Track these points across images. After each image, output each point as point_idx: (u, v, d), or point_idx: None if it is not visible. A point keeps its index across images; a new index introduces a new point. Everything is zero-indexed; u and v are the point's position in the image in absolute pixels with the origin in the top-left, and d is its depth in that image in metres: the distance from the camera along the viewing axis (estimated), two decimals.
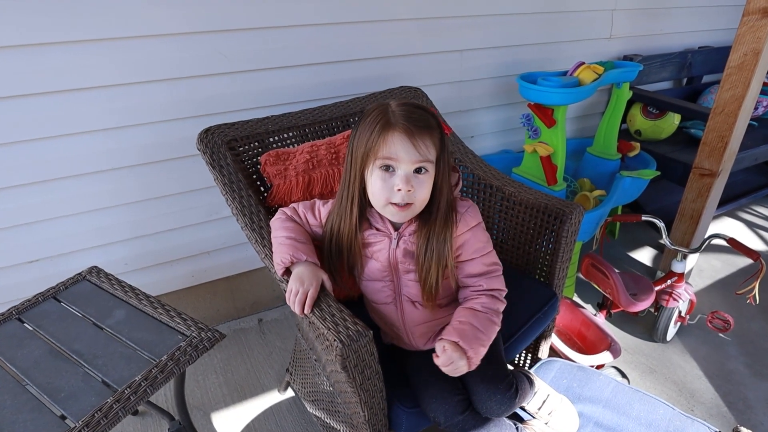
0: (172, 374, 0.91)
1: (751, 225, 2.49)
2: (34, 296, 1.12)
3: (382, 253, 0.94)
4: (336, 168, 1.20)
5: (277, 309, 1.89)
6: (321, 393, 1.22)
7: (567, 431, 1.07)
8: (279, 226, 0.98)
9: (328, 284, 0.91)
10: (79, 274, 1.20)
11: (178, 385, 1.03)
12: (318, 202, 1.01)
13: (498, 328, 0.92)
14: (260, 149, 1.21)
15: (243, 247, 1.70)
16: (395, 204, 0.86)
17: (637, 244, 2.30)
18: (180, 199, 1.52)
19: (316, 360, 1.18)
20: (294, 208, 1.01)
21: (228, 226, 1.63)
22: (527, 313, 1.17)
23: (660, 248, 2.26)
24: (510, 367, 1.02)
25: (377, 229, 0.94)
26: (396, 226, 0.94)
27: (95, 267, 1.22)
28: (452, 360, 0.85)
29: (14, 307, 1.09)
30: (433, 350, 0.97)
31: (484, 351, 0.88)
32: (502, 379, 0.93)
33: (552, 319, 1.25)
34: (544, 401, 1.06)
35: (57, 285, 1.16)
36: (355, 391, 0.85)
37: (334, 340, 0.79)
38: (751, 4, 1.59)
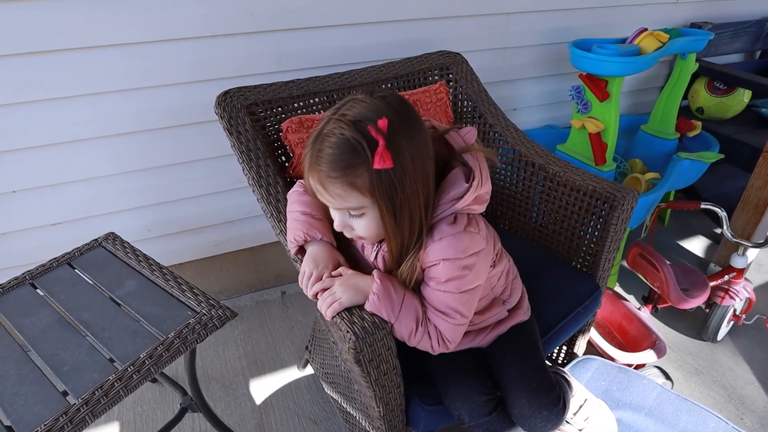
0: (178, 353, 0.86)
1: None
2: (49, 261, 1.09)
3: (367, 258, 0.85)
4: None
5: None
6: (338, 377, 1.16)
7: None
8: (295, 199, 0.89)
9: (345, 267, 0.83)
10: (95, 240, 1.16)
11: (189, 361, 0.99)
12: None
13: (408, 338, 0.77)
14: (283, 115, 1.12)
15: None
16: None
17: (689, 233, 2.12)
18: (204, 166, 1.46)
19: (334, 342, 1.12)
20: None
21: (252, 195, 1.56)
22: (567, 306, 1.06)
23: (715, 239, 2.07)
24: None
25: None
26: None
27: (112, 233, 1.18)
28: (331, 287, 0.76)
29: (29, 271, 1.06)
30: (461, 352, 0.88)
31: (374, 311, 0.74)
32: (548, 392, 0.83)
33: (593, 313, 1.13)
34: (581, 406, 0.96)
35: (72, 251, 1.12)
36: (369, 386, 0.78)
37: (347, 331, 0.71)
38: None
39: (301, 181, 0.93)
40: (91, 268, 1.08)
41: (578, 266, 1.16)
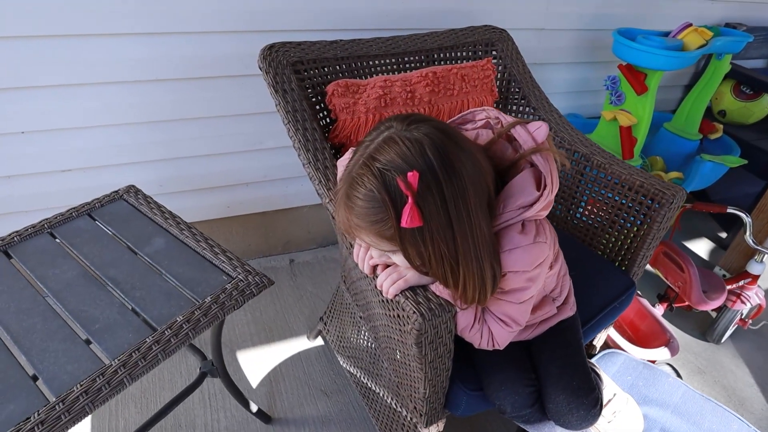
0: (215, 318, 0.82)
1: None
2: (68, 210, 1.02)
3: None
4: (411, 109, 1.05)
5: (310, 251, 1.80)
6: (360, 352, 1.14)
7: None
8: None
9: None
10: (116, 192, 1.09)
11: (217, 329, 0.95)
12: None
13: (460, 329, 0.75)
14: (327, 77, 1.06)
15: (284, 183, 1.58)
16: None
17: (693, 235, 2.14)
18: (224, 123, 1.39)
19: (362, 317, 1.09)
20: None
21: (271, 159, 1.50)
22: (602, 302, 1.05)
23: (719, 242, 2.10)
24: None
25: None
26: None
27: (133, 186, 1.12)
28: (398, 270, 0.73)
29: (46, 219, 0.99)
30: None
31: (445, 295, 0.71)
32: (587, 393, 0.82)
33: (625, 308, 1.13)
34: (609, 400, 0.96)
35: (92, 201, 1.05)
36: (422, 368, 0.75)
37: (413, 312, 0.68)
38: None
39: (354, 148, 0.88)
40: (114, 221, 1.01)
41: (613, 261, 1.15)
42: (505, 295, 0.72)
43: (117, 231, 0.99)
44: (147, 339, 0.75)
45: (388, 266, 0.73)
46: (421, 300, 0.69)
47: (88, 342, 0.76)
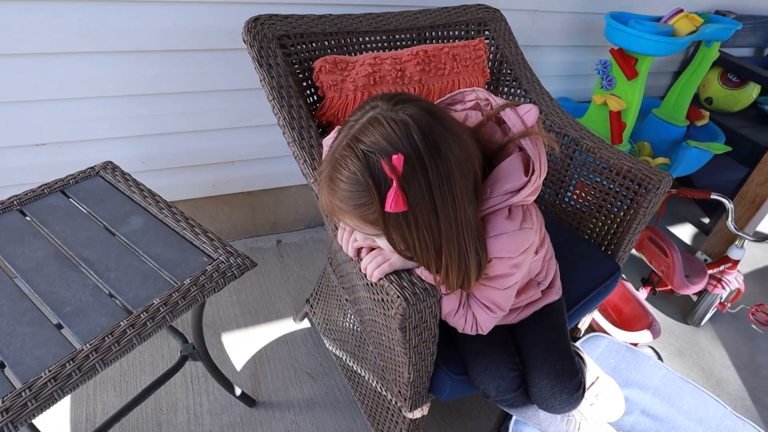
0: (194, 301, 0.79)
1: None
2: (39, 187, 0.98)
3: None
4: (400, 88, 1.02)
5: (297, 232, 1.77)
6: (346, 335, 1.13)
7: (612, 416, 0.99)
8: None
9: None
10: (92, 168, 1.05)
11: (197, 312, 0.92)
12: None
13: (445, 313, 0.74)
14: (315, 52, 1.02)
15: (272, 162, 1.54)
16: None
17: (678, 220, 2.17)
18: (210, 98, 1.34)
19: (348, 300, 1.07)
20: None
21: (259, 137, 1.46)
22: (588, 285, 1.05)
23: (701, 227, 2.12)
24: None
25: None
26: None
27: (110, 162, 1.07)
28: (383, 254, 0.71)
29: (16, 196, 0.95)
30: None
31: (431, 279, 0.69)
32: (571, 377, 0.82)
33: (610, 292, 1.13)
34: (592, 383, 0.97)
35: (66, 177, 1.01)
36: (406, 352, 0.74)
37: (397, 296, 0.66)
38: None
39: (339, 127, 0.85)
40: (89, 198, 0.97)
41: (599, 245, 1.15)
42: (490, 281, 0.71)
43: (92, 209, 0.95)
44: (121, 323, 0.73)
45: (372, 249, 0.71)
46: (405, 284, 0.67)
47: (58, 326, 0.73)
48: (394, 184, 0.55)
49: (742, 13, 2.00)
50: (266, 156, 1.51)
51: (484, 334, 0.77)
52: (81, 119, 1.24)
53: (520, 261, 0.70)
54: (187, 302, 0.79)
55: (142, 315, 0.75)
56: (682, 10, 1.52)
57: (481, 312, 0.74)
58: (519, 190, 0.66)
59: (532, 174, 0.66)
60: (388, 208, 0.56)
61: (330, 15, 1.07)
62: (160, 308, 0.76)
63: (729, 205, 1.43)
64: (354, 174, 0.58)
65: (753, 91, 2.04)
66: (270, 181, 1.59)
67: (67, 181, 1.00)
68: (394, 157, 0.55)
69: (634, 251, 1.59)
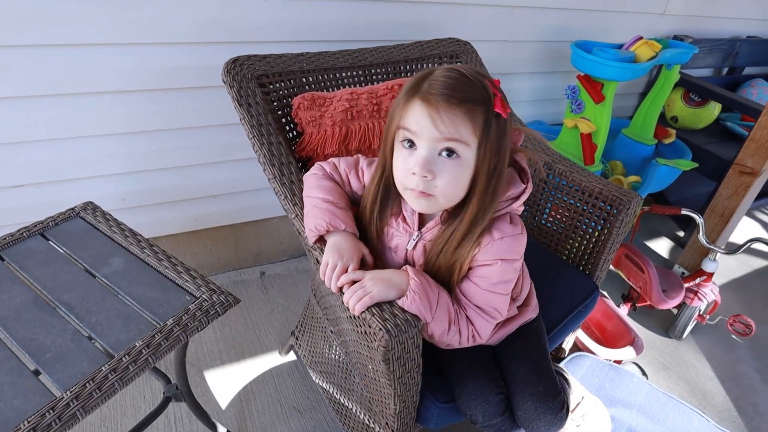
0: (177, 341, 0.79)
1: (766, 225, 2.43)
2: (18, 230, 0.97)
3: (401, 249, 0.81)
4: (377, 121, 1.05)
5: (281, 263, 1.77)
6: (332, 367, 1.12)
7: None
8: (315, 184, 0.84)
9: (370, 259, 0.79)
10: (72, 209, 1.04)
11: (181, 349, 0.92)
12: (361, 161, 0.87)
13: (439, 336, 0.74)
14: (293, 89, 1.05)
15: (253, 194, 1.55)
16: (412, 189, 0.70)
17: (654, 235, 2.22)
18: (191, 134, 1.36)
19: (332, 332, 1.08)
20: (334, 164, 0.87)
21: (240, 170, 1.48)
22: (567, 306, 1.07)
23: (678, 241, 2.18)
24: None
25: (404, 219, 0.79)
26: (423, 223, 0.79)
27: (91, 203, 1.07)
28: (361, 281, 0.72)
29: None
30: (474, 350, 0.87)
31: (411, 311, 0.70)
32: (553, 397, 0.83)
33: (589, 312, 1.16)
34: (578, 403, 0.98)
35: (45, 220, 1.00)
36: (391, 384, 0.75)
37: (380, 329, 0.67)
38: None
39: (320, 163, 0.88)
40: (69, 241, 0.97)
41: (577, 266, 1.18)
42: (494, 286, 0.75)
43: (72, 251, 0.94)
44: (103, 368, 0.72)
45: (354, 283, 0.73)
46: (387, 316, 0.68)
47: (37, 373, 0.72)
48: (499, 95, 0.67)
49: (699, 36, 2.11)
50: (247, 189, 1.52)
51: (484, 341, 0.79)
52: (60, 159, 1.24)
53: (519, 265, 0.77)
54: (170, 343, 0.78)
55: (124, 358, 0.74)
56: (641, 38, 1.60)
57: (480, 320, 0.76)
58: (518, 197, 0.74)
59: (528, 183, 0.75)
60: (497, 108, 0.66)
61: (307, 53, 1.10)
62: (143, 350, 0.76)
63: (699, 220, 1.48)
64: (463, 74, 0.67)
65: (715, 108, 2.14)
66: (252, 213, 1.59)
67: (47, 224, 1.00)
68: (495, 80, 0.69)
69: (613, 268, 1.62)
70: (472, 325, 0.76)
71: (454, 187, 0.69)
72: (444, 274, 0.76)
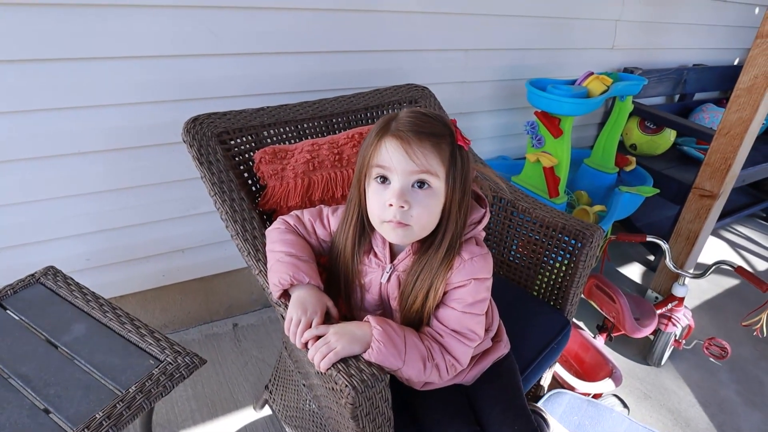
0: (140, 410, 0.76)
1: (733, 245, 2.50)
2: None
3: (374, 284, 0.82)
4: (339, 171, 1.07)
5: (254, 313, 1.74)
6: (307, 421, 1.09)
7: None
8: (277, 238, 0.84)
9: (334, 312, 0.79)
10: (32, 275, 1.02)
11: (146, 419, 0.88)
12: (325, 210, 0.88)
13: (417, 378, 0.74)
14: (254, 144, 1.06)
15: (221, 246, 1.54)
16: (389, 221, 0.73)
17: (626, 260, 2.26)
18: (154, 191, 1.35)
19: (305, 385, 1.05)
20: (298, 216, 0.87)
21: (206, 223, 1.47)
22: (540, 343, 1.07)
23: (649, 266, 2.23)
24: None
25: (375, 255, 0.82)
26: (394, 256, 0.81)
27: (52, 267, 1.05)
28: (325, 336, 0.71)
29: None
30: (446, 388, 0.86)
31: (380, 361, 0.69)
32: None
33: (563, 348, 1.16)
34: None
35: (3, 288, 0.98)
36: None
37: (345, 385, 0.66)
38: (765, 26, 1.54)
39: (282, 217, 0.88)
40: (29, 309, 0.94)
41: (548, 301, 1.19)
42: (469, 307, 0.77)
43: (31, 320, 0.92)
44: None
45: (319, 338, 0.72)
46: (353, 372, 0.68)
47: None
48: (458, 130, 0.74)
49: (648, 67, 2.23)
50: (215, 241, 1.51)
51: (464, 367, 0.79)
52: (21, 223, 1.22)
53: (489, 285, 0.80)
54: (132, 412, 0.76)
55: None
56: (592, 73, 1.69)
57: (458, 344, 0.76)
58: (480, 221, 0.80)
59: (487, 207, 0.81)
60: (459, 141, 0.73)
61: (267, 107, 1.12)
62: (103, 422, 0.73)
63: (664, 246, 1.52)
64: (425, 113, 0.74)
65: (671, 134, 2.24)
66: (222, 264, 1.58)
67: (5, 292, 0.97)
68: (452, 119, 0.77)
69: (586, 299, 1.64)
70: (450, 354, 0.76)
71: (428, 215, 0.73)
72: (419, 302, 0.77)
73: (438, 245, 0.76)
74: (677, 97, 2.64)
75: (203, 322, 1.67)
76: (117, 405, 0.75)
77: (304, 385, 1.06)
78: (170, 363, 0.84)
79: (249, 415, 1.37)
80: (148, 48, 1.18)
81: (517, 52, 1.83)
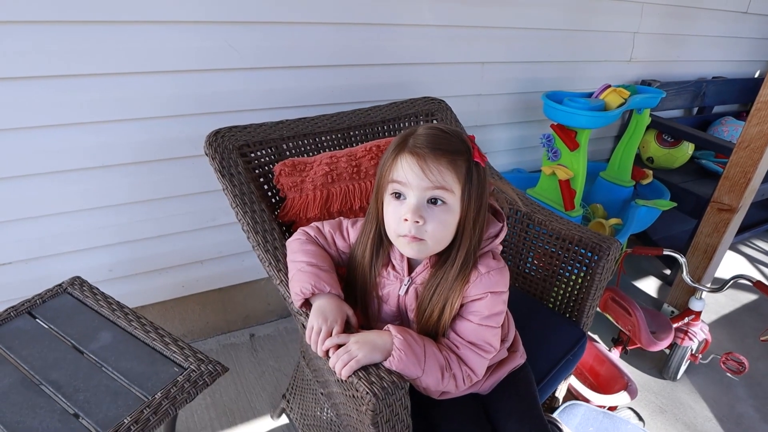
0: (166, 415, 0.79)
1: (752, 260, 2.47)
2: (5, 310, 0.98)
3: (392, 296, 0.84)
4: (357, 183, 1.09)
5: (270, 324, 1.76)
6: (325, 429, 1.10)
7: None
8: (298, 248, 0.86)
9: (354, 321, 0.80)
10: (59, 285, 1.06)
11: (170, 424, 0.91)
12: (345, 222, 0.90)
13: (435, 387, 0.75)
14: (274, 157, 1.09)
15: (239, 257, 1.57)
16: (404, 235, 0.75)
17: (641, 274, 2.25)
18: (175, 203, 1.39)
19: (323, 394, 1.07)
20: (318, 227, 0.90)
21: (225, 234, 1.50)
22: (556, 355, 1.07)
23: (665, 279, 2.20)
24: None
25: (393, 267, 0.84)
26: (411, 269, 0.83)
27: (78, 278, 1.08)
28: (346, 345, 0.72)
29: None
30: (463, 397, 0.87)
31: (400, 369, 0.70)
32: None
33: (578, 360, 1.16)
34: None
35: (33, 297, 1.01)
36: None
37: (366, 392, 0.68)
38: None
39: (303, 228, 0.90)
40: (57, 318, 0.97)
41: (564, 314, 1.19)
42: (486, 320, 0.78)
43: (60, 328, 0.95)
44: None
45: (340, 347, 0.74)
46: (374, 379, 0.69)
47: None
48: (475, 147, 0.75)
49: (666, 80, 2.23)
50: (233, 252, 1.54)
51: (480, 378, 0.81)
52: (48, 235, 1.26)
53: (506, 298, 0.80)
54: (158, 417, 0.78)
55: None
56: (610, 86, 1.69)
57: (474, 355, 0.78)
58: (497, 235, 0.81)
59: (505, 221, 0.82)
60: (476, 158, 0.74)
61: (287, 120, 1.16)
62: (131, 427, 0.75)
63: (681, 259, 1.51)
64: (442, 130, 0.76)
65: (688, 148, 2.23)
66: (239, 276, 1.60)
67: (34, 302, 1.01)
68: (470, 135, 0.78)
69: (601, 312, 1.63)
70: (466, 365, 0.77)
71: (442, 230, 0.75)
72: (436, 315, 0.78)
73: (453, 259, 0.77)
74: (696, 110, 2.62)
75: (221, 332, 1.70)
76: (144, 411, 0.78)
77: (322, 393, 1.07)
78: (194, 370, 0.86)
79: (266, 423, 1.38)
80: (170, 63, 1.22)
81: (533, 65, 1.85)
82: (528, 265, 1.25)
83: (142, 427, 0.75)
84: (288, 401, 1.28)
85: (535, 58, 1.83)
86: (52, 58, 1.09)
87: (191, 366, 0.87)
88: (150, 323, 0.96)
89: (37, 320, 0.97)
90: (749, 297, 2.12)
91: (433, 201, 0.74)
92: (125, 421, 0.76)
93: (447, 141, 0.74)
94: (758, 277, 2.29)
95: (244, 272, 1.61)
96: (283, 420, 1.39)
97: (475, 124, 1.83)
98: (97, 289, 1.05)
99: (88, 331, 0.94)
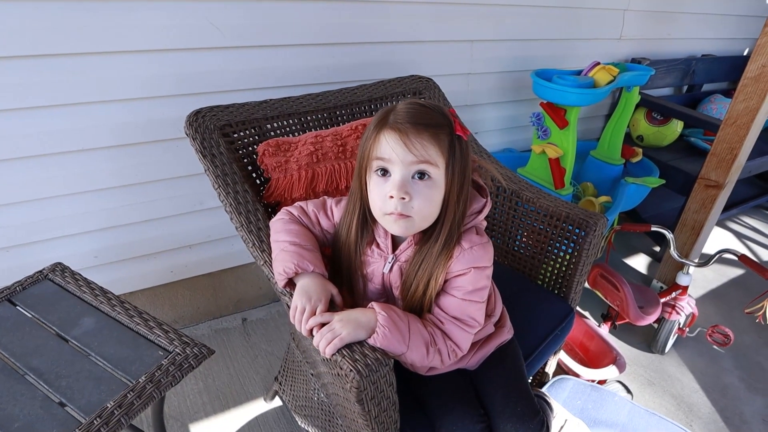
0: (151, 399, 0.78)
1: (739, 235, 2.49)
2: None
3: (377, 275, 0.83)
4: (342, 162, 1.07)
5: (262, 308, 1.76)
6: (316, 410, 1.11)
7: None
8: (281, 228, 0.85)
9: (338, 299, 0.80)
10: (40, 272, 1.04)
11: (157, 405, 0.90)
12: (329, 201, 0.89)
13: (420, 362, 0.75)
14: (257, 137, 1.07)
15: (229, 241, 1.55)
16: (390, 213, 0.74)
17: (631, 252, 2.26)
18: (161, 187, 1.37)
19: (312, 374, 1.07)
20: (302, 207, 0.88)
21: (214, 218, 1.48)
22: (544, 331, 1.08)
23: (654, 256, 2.22)
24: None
25: (377, 245, 0.83)
26: (396, 247, 0.82)
27: (59, 264, 1.07)
28: (330, 323, 0.72)
29: None
30: (450, 373, 0.88)
31: (384, 345, 0.70)
32: (532, 417, 0.83)
33: (566, 335, 1.17)
34: (561, 427, 0.98)
35: (12, 285, 0.99)
36: (368, 424, 0.74)
37: (350, 370, 0.67)
38: None
39: (286, 208, 0.89)
40: (38, 304, 0.96)
41: (552, 290, 1.19)
42: (470, 295, 0.78)
43: (41, 315, 0.93)
44: None
45: (323, 326, 0.73)
46: (357, 357, 0.69)
47: None
48: (457, 120, 0.74)
49: (656, 58, 2.21)
50: (222, 236, 1.52)
51: (465, 353, 0.80)
52: (28, 222, 1.24)
53: (489, 273, 0.80)
54: (143, 401, 0.77)
55: (95, 421, 0.73)
56: (599, 63, 1.68)
57: (458, 330, 0.78)
58: (481, 211, 0.80)
59: (488, 196, 0.82)
60: (458, 131, 0.73)
61: (270, 100, 1.13)
62: (114, 411, 0.74)
63: (669, 235, 1.52)
64: (423, 104, 0.74)
65: (677, 126, 2.22)
66: (229, 260, 1.59)
67: (14, 289, 0.99)
68: (450, 108, 0.78)
69: (590, 288, 1.64)
70: (450, 340, 0.77)
71: (429, 206, 0.74)
72: (420, 291, 0.78)
73: (438, 235, 0.77)
74: (685, 87, 2.62)
75: (212, 317, 1.69)
76: (128, 395, 0.77)
77: (312, 374, 1.07)
78: (179, 354, 0.85)
79: (259, 406, 1.39)
80: (151, 42, 1.18)
81: (523, 43, 1.82)
82: (517, 243, 1.24)
83: (126, 411, 0.74)
84: (280, 384, 1.28)
85: (524, 36, 1.81)
86: (26, 37, 1.05)
87: (176, 349, 0.86)
88: (134, 308, 0.95)
89: (18, 307, 0.95)
90: (735, 272, 2.15)
91: (419, 175, 0.72)
92: (108, 405, 0.75)
93: (428, 115, 0.73)
94: (745, 252, 2.31)
95: (234, 256, 1.60)
96: (276, 402, 1.39)
97: (465, 104, 1.81)
98: (80, 275, 1.04)
99: (70, 318, 0.93)
